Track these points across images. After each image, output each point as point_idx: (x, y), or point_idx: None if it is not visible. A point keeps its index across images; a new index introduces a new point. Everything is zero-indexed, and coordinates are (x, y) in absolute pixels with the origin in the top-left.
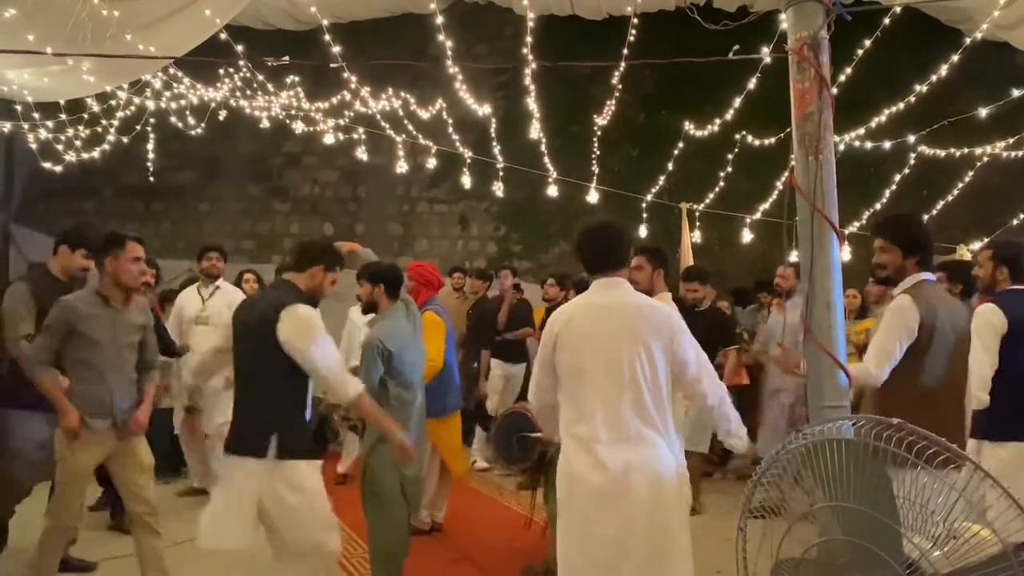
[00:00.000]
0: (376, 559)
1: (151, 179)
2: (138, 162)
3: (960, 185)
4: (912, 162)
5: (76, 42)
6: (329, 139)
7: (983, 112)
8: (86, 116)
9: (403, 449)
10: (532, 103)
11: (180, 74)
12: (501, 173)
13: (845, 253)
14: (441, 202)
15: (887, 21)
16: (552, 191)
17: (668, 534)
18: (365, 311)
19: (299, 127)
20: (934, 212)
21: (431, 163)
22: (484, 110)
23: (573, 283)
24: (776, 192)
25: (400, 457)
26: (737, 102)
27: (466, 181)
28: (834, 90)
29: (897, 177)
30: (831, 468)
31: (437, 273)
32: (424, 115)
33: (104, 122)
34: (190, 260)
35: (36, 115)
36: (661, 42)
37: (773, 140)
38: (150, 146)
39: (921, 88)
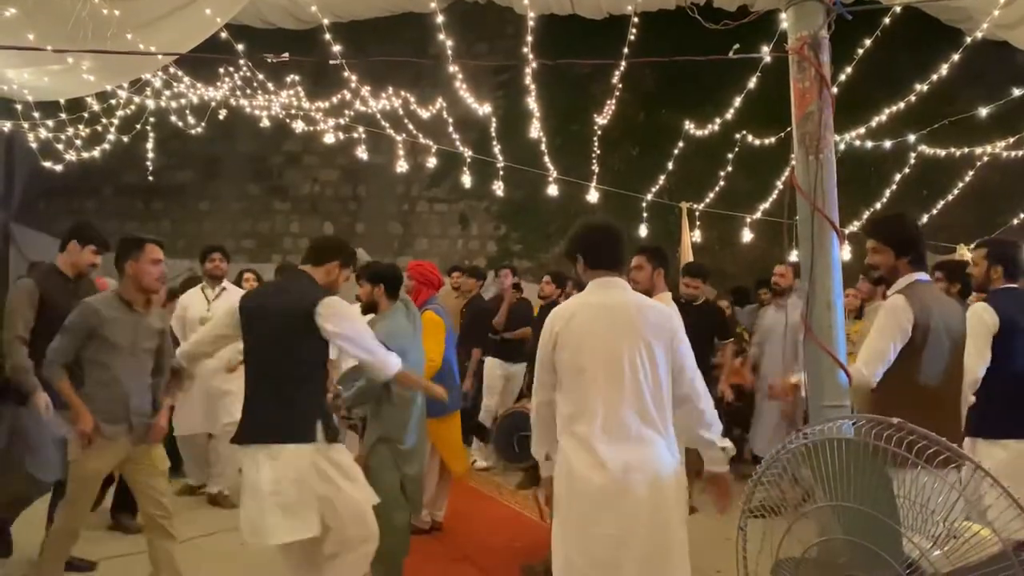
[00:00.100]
0: (376, 558)
1: (151, 178)
2: (138, 161)
3: (960, 185)
4: (912, 162)
5: (77, 41)
6: (329, 138)
7: (983, 112)
8: (86, 115)
9: (440, 396)
10: (532, 102)
11: (180, 73)
12: (501, 172)
13: (845, 252)
14: (441, 201)
15: (887, 20)
16: (552, 190)
17: (668, 533)
18: (365, 311)
19: (299, 126)
20: (934, 212)
21: (431, 162)
22: (484, 109)
23: (576, 284)
24: (776, 191)
25: (436, 396)
26: (737, 101)
27: (466, 180)
28: (834, 89)
29: (897, 176)
30: (831, 468)
31: (437, 272)
32: (424, 114)
33: (104, 121)
34: (190, 259)
35: (36, 114)
36: (661, 41)
37: (773, 139)
38: (150, 145)
39: (921, 87)
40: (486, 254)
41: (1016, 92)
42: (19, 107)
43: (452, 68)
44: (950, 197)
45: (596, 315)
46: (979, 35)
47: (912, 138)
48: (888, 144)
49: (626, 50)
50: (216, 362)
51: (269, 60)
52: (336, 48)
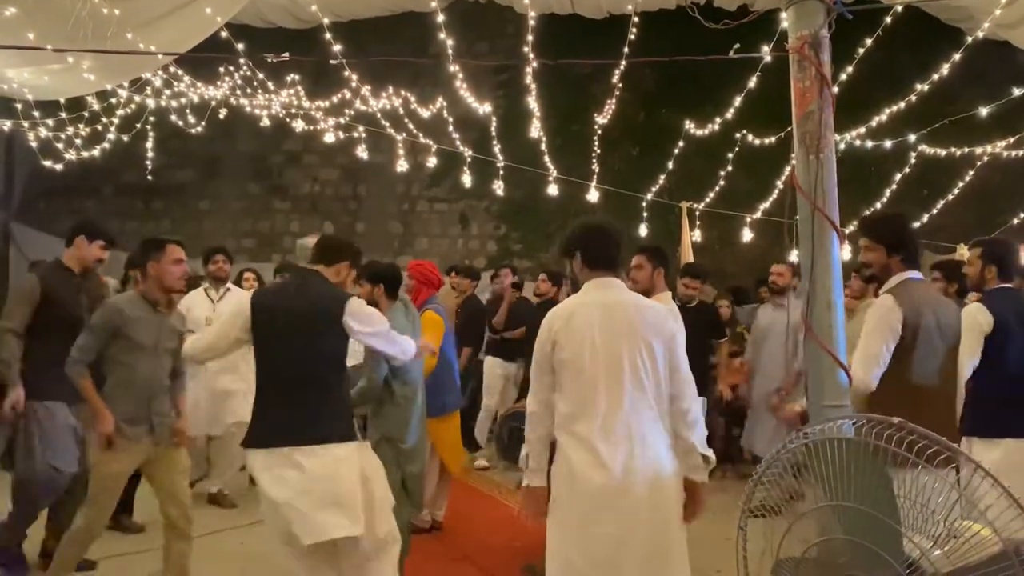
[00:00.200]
0: None
1: (151, 177)
2: (138, 160)
3: (960, 184)
4: (913, 161)
5: (77, 40)
6: (329, 137)
7: (984, 111)
8: (86, 114)
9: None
10: (532, 102)
11: (180, 72)
12: (501, 172)
13: (846, 252)
14: (441, 201)
15: (888, 20)
16: (552, 190)
17: (668, 532)
18: None
19: (299, 125)
20: (934, 211)
21: (431, 162)
22: (484, 109)
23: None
24: (776, 191)
25: (423, 348)
26: (738, 101)
27: (466, 180)
28: (835, 89)
29: (898, 176)
30: (832, 467)
31: (437, 272)
32: (424, 114)
33: (104, 120)
34: (190, 259)
35: (36, 113)
36: (661, 41)
37: (773, 139)
38: (150, 144)
39: (922, 87)
40: (486, 254)
41: (1016, 92)
42: (19, 106)
43: (452, 67)
44: (950, 197)
45: (595, 315)
46: (980, 35)
47: (912, 138)
48: (888, 144)
49: (626, 50)
50: (218, 363)
51: (269, 59)
52: (336, 47)
